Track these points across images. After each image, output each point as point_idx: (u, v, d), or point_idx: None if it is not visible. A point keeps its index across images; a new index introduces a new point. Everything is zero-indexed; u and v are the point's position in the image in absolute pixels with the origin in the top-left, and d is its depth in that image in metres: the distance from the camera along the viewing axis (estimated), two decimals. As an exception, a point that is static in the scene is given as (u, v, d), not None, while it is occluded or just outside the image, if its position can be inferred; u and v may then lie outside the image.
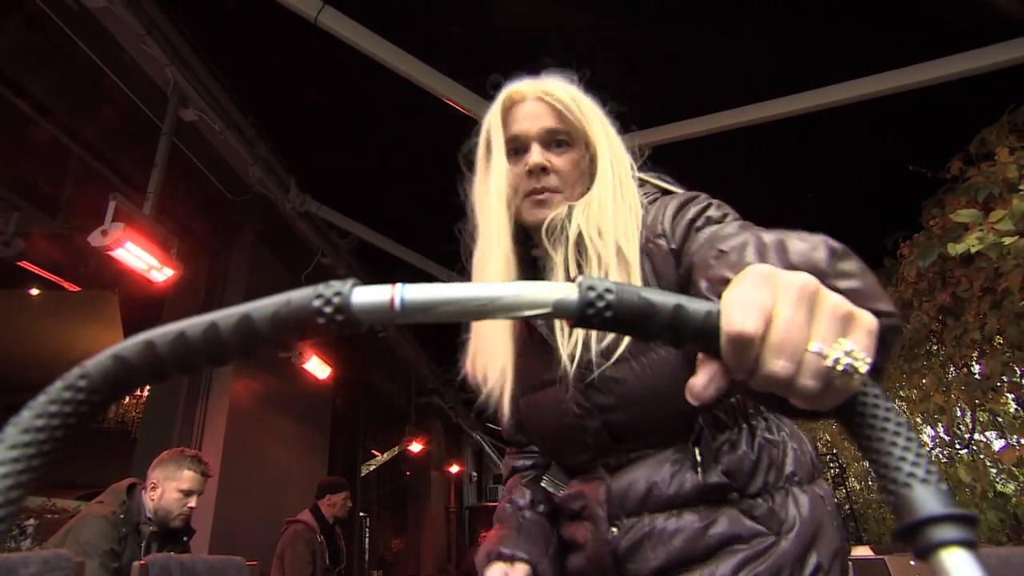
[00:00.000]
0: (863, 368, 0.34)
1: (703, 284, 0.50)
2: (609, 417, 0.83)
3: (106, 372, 0.32)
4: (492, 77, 0.98)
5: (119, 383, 0.33)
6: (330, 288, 0.33)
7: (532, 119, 0.90)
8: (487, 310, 0.34)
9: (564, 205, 0.88)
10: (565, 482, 0.94)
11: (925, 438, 4.91)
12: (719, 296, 0.46)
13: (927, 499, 0.31)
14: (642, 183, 0.95)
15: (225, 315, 0.33)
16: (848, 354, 0.34)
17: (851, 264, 0.45)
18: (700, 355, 0.38)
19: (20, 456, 0.30)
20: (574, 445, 0.88)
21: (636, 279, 0.79)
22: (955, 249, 2.76)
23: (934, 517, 0.30)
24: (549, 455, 0.99)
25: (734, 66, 3.22)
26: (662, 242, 0.81)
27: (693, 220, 0.78)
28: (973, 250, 2.69)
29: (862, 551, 3.42)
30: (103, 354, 0.33)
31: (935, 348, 4.35)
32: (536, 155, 0.88)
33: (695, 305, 0.35)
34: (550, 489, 0.95)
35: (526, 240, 0.95)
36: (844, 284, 0.43)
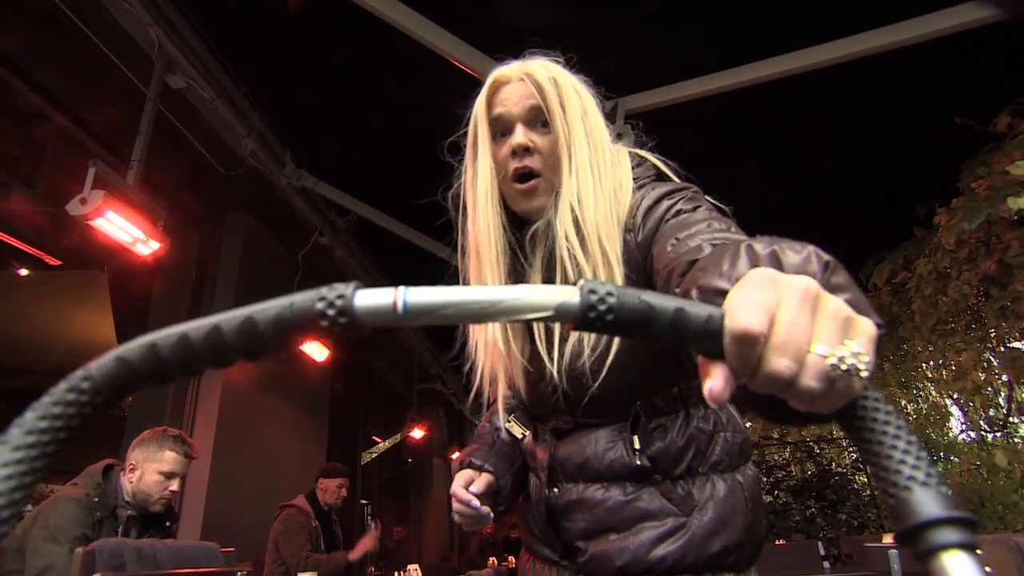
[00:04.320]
0: (865, 370, 0.36)
1: (695, 293, 0.51)
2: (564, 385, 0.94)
3: (109, 374, 0.35)
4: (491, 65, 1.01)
5: (122, 385, 0.35)
6: (333, 291, 0.35)
7: (516, 99, 0.96)
8: (489, 313, 0.36)
9: (548, 195, 0.95)
10: (527, 426, 1.09)
11: (953, 423, 4.90)
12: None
13: (927, 502, 0.33)
14: (640, 161, 1.00)
15: (228, 317, 0.35)
16: (852, 355, 0.36)
17: (841, 277, 0.47)
18: (700, 359, 0.39)
19: (24, 457, 0.32)
20: (537, 401, 1.03)
21: (619, 281, 0.84)
22: (1016, 203, 2.63)
23: (934, 520, 0.32)
24: (519, 400, 1.11)
25: (749, 19, 3.14)
26: (629, 236, 0.89)
27: (663, 216, 0.86)
28: (1033, 205, 2.55)
29: (885, 539, 3.46)
30: (106, 356, 0.35)
31: (973, 323, 4.28)
32: (519, 135, 0.94)
33: (696, 308, 0.37)
34: (513, 431, 1.10)
35: (518, 226, 0.99)
36: (838, 297, 0.45)
